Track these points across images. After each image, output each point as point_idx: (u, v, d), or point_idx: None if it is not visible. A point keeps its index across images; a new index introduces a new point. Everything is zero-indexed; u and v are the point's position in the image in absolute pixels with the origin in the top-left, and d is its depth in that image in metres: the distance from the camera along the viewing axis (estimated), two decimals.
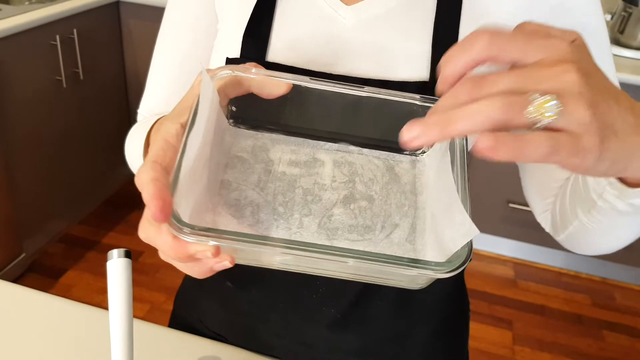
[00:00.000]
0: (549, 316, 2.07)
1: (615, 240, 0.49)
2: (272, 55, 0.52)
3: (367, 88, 0.43)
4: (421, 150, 0.45)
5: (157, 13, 2.06)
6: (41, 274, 2.00)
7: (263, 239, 0.34)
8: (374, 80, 0.50)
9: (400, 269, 0.33)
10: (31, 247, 1.95)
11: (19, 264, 1.89)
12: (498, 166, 2.03)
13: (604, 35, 0.54)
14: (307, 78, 0.43)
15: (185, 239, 0.33)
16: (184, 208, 0.34)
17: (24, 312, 0.66)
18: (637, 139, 0.30)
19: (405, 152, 0.45)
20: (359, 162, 0.44)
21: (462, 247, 0.32)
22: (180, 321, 0.70)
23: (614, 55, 1.92)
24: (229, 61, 0.53)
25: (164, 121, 0.38)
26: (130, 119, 2.37)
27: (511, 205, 2.10)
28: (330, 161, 0.44)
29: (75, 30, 1.88)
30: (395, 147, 0.44)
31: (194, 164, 0.36)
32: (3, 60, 1.64)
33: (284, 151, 0.44)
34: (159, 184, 0.33)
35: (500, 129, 0.27)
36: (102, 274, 2.02)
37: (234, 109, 0.44)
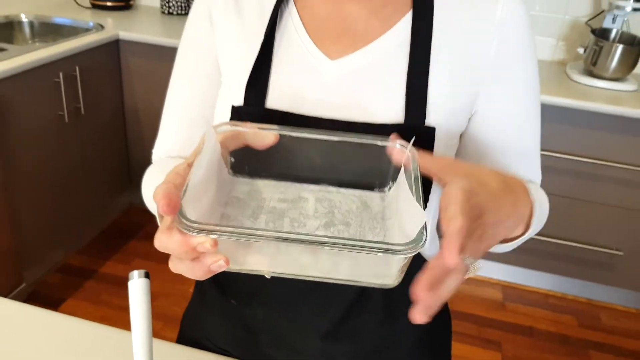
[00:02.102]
0: (536, 337, 2.13)
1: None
2: (270, 103, 0.61)
3: (338, 133, 0.51)
4: (388, 187, 0.53)
5: (155, 50, 2.17)
6: (41, 303, 2.03)
7: (254, 231, 0.42)
8: (358, 123, 0.58)
9: (369, 252, 0.40)
10: (31, 276, 2.00)
11: (19, 294, 1.93)
12: None
13: (537, 86, 0.64)
14: (290, 128, 0.51)
15: (189, 232, 0.40)
16: (190, 215, 0.42)
17: (35, 331, 0.72)
18: (502, 236, 0.47)
19: (375, 190, 0.54)
20: (337, 198, 0.53)
21: (418, 232, 0.41)
22: (187, 339, 0.77)
23: (588, 86, 2.04)
24: (234, 109, 0.61)
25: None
26: (128, 152, 2.44)
27: None
28: (313, 198, 0.52)
29: (77, 68, 1.97)
30: (366, 186, 0.53)
31: (199, 186, 0.44)
32: (9, 98, 1.72)
33: (274, 192, 0.53)
34: (169, 188, 0.41)
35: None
36: (101, 303, 2.06)
37: (233, 160, 0.53)
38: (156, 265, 2.30)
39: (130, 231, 2.49)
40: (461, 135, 0.65)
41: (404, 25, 0.60)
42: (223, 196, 0.51)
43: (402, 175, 0.49)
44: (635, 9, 2.04)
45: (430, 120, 0.59)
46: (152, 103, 2.32)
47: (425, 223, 0.41)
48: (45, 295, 2.08)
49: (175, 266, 0.43)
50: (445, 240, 0.39)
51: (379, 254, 0.40)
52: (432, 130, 0.59)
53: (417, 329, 0.69)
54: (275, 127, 0.52)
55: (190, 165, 0.45)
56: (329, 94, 0.60)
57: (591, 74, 2.10)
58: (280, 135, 0.51)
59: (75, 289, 2.13)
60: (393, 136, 0.51)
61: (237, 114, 0.62)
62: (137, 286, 0.57)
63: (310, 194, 0.53)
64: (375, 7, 0.61)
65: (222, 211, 0.50)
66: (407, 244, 0.40)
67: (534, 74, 0.64)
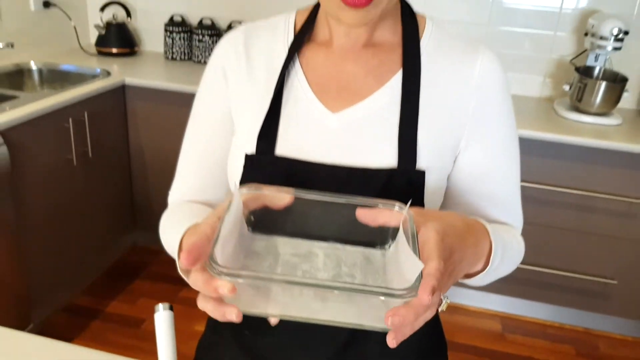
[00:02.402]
0: None
1: None
2: (279, 151, 0.69)
3: (345, 196, 0.58)
4: (388, 244, 0.60)
5: (159, 95, 2.27)
6: None
7: (273, 276, 0.49)
8: (357, 168, 0.66)
9: (373, 295, 0.46)
10: (38, 317, 2.03)
11: None
12: None
13: (513, 142, 0.73)
14: (303, 191, 0.59)
15: (217, 276, 0.47)
16: (219, 261, 0.48)
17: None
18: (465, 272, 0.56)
19: (376, 247, 0.61)
20: (344, 254, 0.59)
21: (416, 279, 0.47)
22: None
23: (575, 121, 2.12)
24: (247, 157, 0.69)
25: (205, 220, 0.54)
26: (132, 192, 2.51)
27: None
28: (322, 253, 0.59)
29: (86, 113, 2.05)
30: (369, 243, 0.60)
31: (227, 238, 0.51)
32: (21, 143, 1.79)
33: (288, 247, 0.60)
34: (197, 242, 0.49)
35: None
36: (107, 343, 2.09)
37: (252, 218, 0.60)
38: (157, 303, 2.33)
39: (134, 271, 2.53)
40: (449, 177, 0.72)
41: (396, 83, 0.68)
42: (243, 250, 0.58)
43: (401, 233, 0.55)
44: (615, 48, 2.16)
45: (420, 164, 0.67)
46: (156, 145, 2.41)
47: (422, 272, 0.47)
48: (52, 336, 2.08)
49: (201, 303, 0.50)
50: (423, 281, 0.46)
51: (382, 297, 0.46)
52: (422, 173, 0.67)
53: (416, 350, 0.75)
54: (291, 190, 0.59)
55: (219, 219, 0.52)
56: (331, 143, 0.68)
57: (577, 110, 2.20)
58: (295, 197, 0.58)
59: (81, 329, 2.16)
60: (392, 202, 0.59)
61: (250, 162, 0.69)
62: (163, 318, 0.63)
63: (320, 249, 0.60)
64: (370, 67, 0.69)
65: (243, 262, 0.57)
66: (406, 289, 0.46)
67: (511, 130, 0.72)
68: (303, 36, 0.72)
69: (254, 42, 0.74)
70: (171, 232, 0.70)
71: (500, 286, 2.32)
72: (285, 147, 0.69)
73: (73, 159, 2.03)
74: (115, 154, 2.36)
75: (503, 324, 2.37)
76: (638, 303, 2.19)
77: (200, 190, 0.79)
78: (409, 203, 0.56)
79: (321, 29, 0.72)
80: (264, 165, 0.69)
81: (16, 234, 1.82)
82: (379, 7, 0.61)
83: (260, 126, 0.69)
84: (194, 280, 0.48)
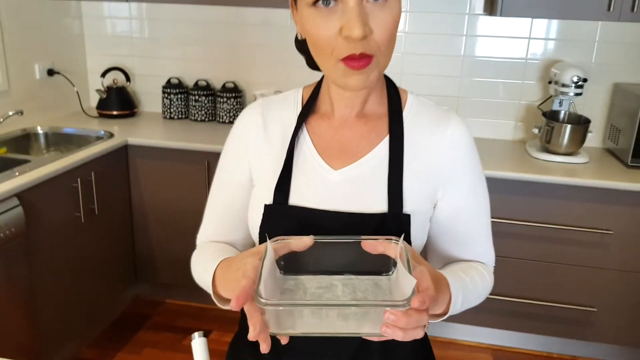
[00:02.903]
0: None
1: None
2: (292, 201, 0.84)
3: (353, 237, 0.74)
4: (391, 271, 0.75)
5: (159, 152, 2.44)
6: None
7: (302, 302, 0.65)
8: (355, 213, 0.81)
9: (381, 306, 0.62)
10: None
11: None
12: None
13: (482, 191, 0.90)
14: (320, 237, 0.74)
15: (263, 307, 0.62)
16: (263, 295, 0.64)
17: None
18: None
19: (382, 274, 0.76)
20: (357, 283, 0.75)
21: (411, 291, 0.62)
22: None
23: (545, 161, 2.30)
24: (266, 207, 0.84)
25: (244, 258, 0.71)
26: (134, 246, 2.63)
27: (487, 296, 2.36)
28: (340, 284, 0.75)
29: (93, 173, 2.20)
30: (376, 272, 0.76)
31: (265, 280, 0.67)
32: (33, 204, 1.92)
33: (312, 282, 0.75)
34: (245, 287, 0.64)
35: None
36: None
37: (282, 263, 0.76)
38: (161, 353, 2.42)
39: (138, 322, 2.62)
40: (431, 219, 0.88)
41: (384, 145, 0.85)
42: (277, 289, 0.74)
43: (398, 261, 0.71)
44: (576, 94, 2.37)
45: (406, 209, 0.83)
46: (157, 199, 2.54)
47: (416, 285, 0.63)
48: None
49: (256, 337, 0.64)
50: (416, 295, 0.61)
51: (388, 308, 0.62)
52: (408, 216, 0.82)
53: None
54: (310, 236, 0.75)
55: (258, 265, 0.68)
56: (334, 194, 0.84)
57: (547, 151, 2.39)
58: (315, 241, 0.74)
59: None
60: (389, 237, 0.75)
61: (269, 210, 0.85)
62: (199, 344, 0.77)
63: (338, 281, 0.75)
64: (363, 133, 0.86)
65: (280, 297, 0.73)
66: (404, 299, 0.62)
67: (479, 181, 0.88)
68: (309, 108, 0.89)
69: (269, 114, 0.91)
70: (203, 267, 0.86)
71: (489, 319, 2.45)
72: (297, 197, 0.85)
73: (81, 216, 2.16)
74: (118, 209, 2.49)
75: (494, 356, 2.48)
76: (618, 328, 2.32)
77: (223, 233, 0.95)
78: (402, 236, 0.72)
79: (323, 102, 0.89)
80: (280, 213, 0.84)
81: (28, 291, 1.93)
82: (376, 69, 0.76)
83: (276, 182, 0.85)
84: (247, 310, 0.64)
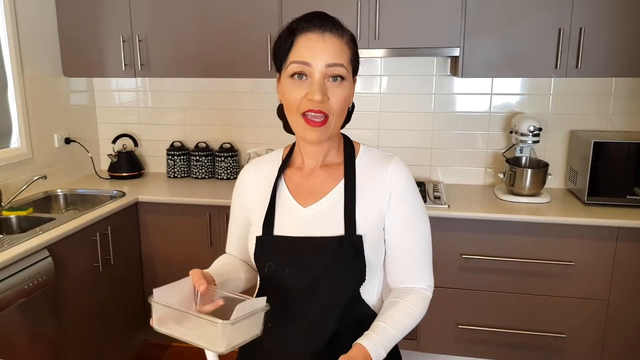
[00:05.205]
0: None
1: None
2: (276, 232, 1.13)
3: (232, 292, 1.04)
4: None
5: (165, 208, 2.77)
6: None
7: (177, 307, 1.00)
8: (321, 237, 1.08)
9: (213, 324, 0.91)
10: None
11: None
12: (446, 294, 2.55)
13: (420, 219, 1.15)
14: (216, 288, 1.07)
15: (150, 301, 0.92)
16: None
17: None
18: None
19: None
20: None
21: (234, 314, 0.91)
22: None
23: (511, 202, 2.57)
24: (258, 237, 1.13)
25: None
26: (144, 293, 2.85)
27: (460, 326, 2.59)
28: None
29: (109, 228, 2.47)
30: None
31: (175, 287, 1.02)
32: (60, 255, 2.18)
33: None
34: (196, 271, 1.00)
35: None
36: None
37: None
38: None
39: None
40: (385, 242, 1.14)
41: (340, 186, 1.13)
42: (192, 301, 1.06)
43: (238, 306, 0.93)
44: (534, 141, 2.68)
45: (359, 231, 1.09)
46: (164, 249, 2.80)
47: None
48: None
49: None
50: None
51: (219, 323, 0.89)
52: (360, 237, 1.08)
53: None
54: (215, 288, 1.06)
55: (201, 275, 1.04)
56: (305, 225, 1.12)
57: (512, 193, 2.67)
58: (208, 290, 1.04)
59: None
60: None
61: (260, 240, 1.13)
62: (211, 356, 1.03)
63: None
64: (325, 178, 1.15)
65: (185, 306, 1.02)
66: (225, 322, 0.88)
67: (417, 209, 1.14)
68: (286, 163, 1.20)
69: (259, 170, 1.22)
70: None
71: (464, 348, 2.63)
72: (279, 229, 1.14)
73: (99, 265, 2.42)
74: (131, 259, 2.75)
75: None
76: (587, 353, 2.52)
77: (236, 252, 1.29)
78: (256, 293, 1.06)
79: (297, 157, 1.19)
80: (267, 241, 1.13)
81: (56, 336, 2.15)
82: (328, 130, 1.06)
83: (264, 219, 1.15)
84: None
